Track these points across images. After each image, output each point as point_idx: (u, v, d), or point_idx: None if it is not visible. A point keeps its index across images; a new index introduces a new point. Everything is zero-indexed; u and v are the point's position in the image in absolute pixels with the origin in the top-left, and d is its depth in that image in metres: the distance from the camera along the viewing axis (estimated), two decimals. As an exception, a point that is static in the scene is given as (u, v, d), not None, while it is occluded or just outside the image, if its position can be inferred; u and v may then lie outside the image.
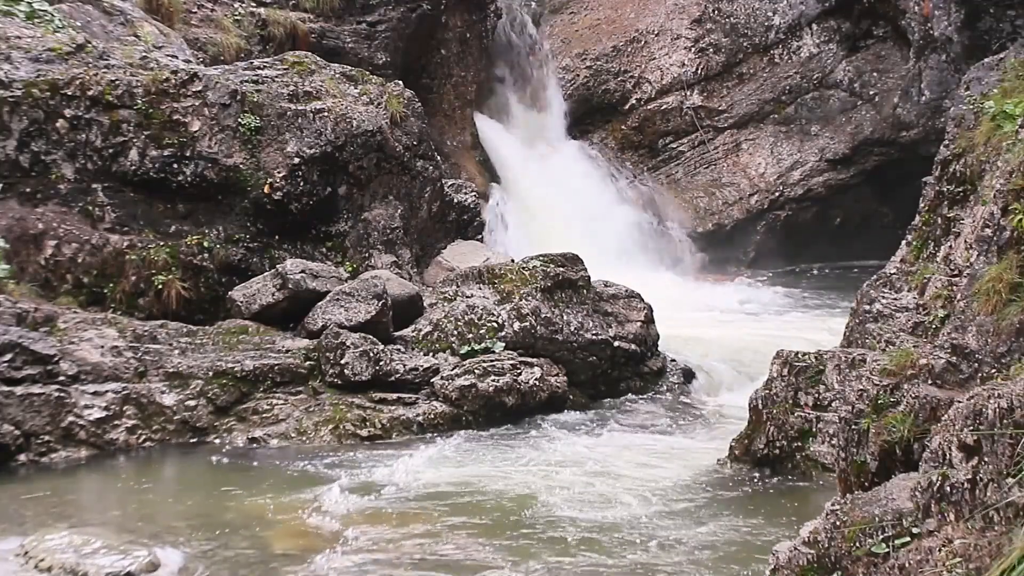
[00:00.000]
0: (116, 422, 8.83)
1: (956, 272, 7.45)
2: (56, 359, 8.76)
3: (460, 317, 10.33)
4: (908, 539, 4.44)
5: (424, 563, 6.54)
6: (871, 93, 18.37)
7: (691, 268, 17.66)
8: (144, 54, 11.30)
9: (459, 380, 9.75)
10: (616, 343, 10.76)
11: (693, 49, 18.56)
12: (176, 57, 11.91)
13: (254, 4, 14.85)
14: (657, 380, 10.96)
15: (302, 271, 10.16)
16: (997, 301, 5.84)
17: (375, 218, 11.39)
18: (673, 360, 11.21)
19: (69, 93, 10.37)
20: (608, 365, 10.73)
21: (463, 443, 9.17)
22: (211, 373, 9.32)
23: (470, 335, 10.20)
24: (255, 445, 9.06)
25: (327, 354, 9.59)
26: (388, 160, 11.54)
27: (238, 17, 14.50)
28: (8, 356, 8.50)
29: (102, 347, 9.16)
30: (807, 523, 5.33)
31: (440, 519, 7.26)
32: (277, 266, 10.34)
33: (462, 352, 10.08)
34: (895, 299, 8.50)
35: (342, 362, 9.53)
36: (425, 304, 10.53)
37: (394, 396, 9.58)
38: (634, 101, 18.55)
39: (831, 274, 17.76)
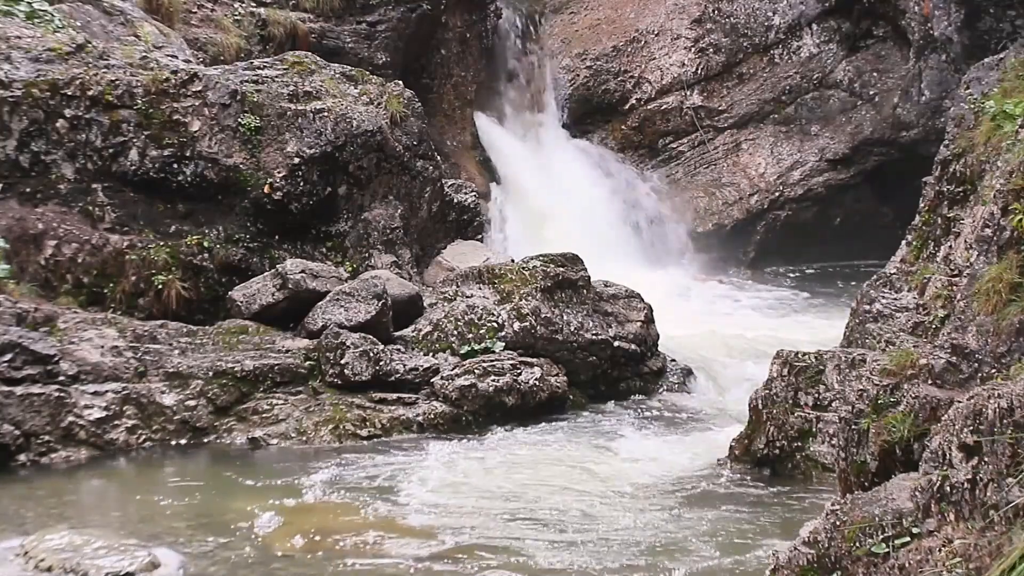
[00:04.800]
0: (116, 422, 8.83)
1: (956, 272, 7.45)
2: (56, 359, 8.76)
3: (460, 317, 10.33)
4: (908, 539, 4.45)
5: (422, 566, 6.54)
6: (871, 93, 18.36)
7: (691, 268, 17.65)
8: (144, 54, 11.29)
9: (459, 380, 9.75)
10: (616, 343, 10.76)
11: (693, 49, 18.54)
12: (176, 57, 11.90)
13: (254, 4, 14.84)
14: (657, 380, 10.95)
15: (302, 271, 10.15)
16: (997, 301, 5.84)
17: (375, 218, 11.39)
18: (673, 360, 11.20)
19: (69, 93, 10.36)
20: (608, 365, 10.73)
21: (468, 443, 9.17)
22: (211, 373, 9.32)
23: (470, 335, 10.20)
24: (255, 445, 9.05)
25: (327, 354, 9.59)
26: (388, 160, 11.53)
27: (238, 17, 14.50)
28: (8, 356, 8.50)
29: (102, 347, 9.16)
30: (807, 523, 5.34)
31: (451, 521, 7.26)
32: (277, 266, 10.33)
33: (462, 352, 10.08)
34: (895, 299, 8.50)
35: (342, 362, 9.53)
36: (425, 304, 10.53)
37: (394, 396, 9.58)
38: (634, 101, 18.53)
39: (831, 274, 17.74)
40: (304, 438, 9.12)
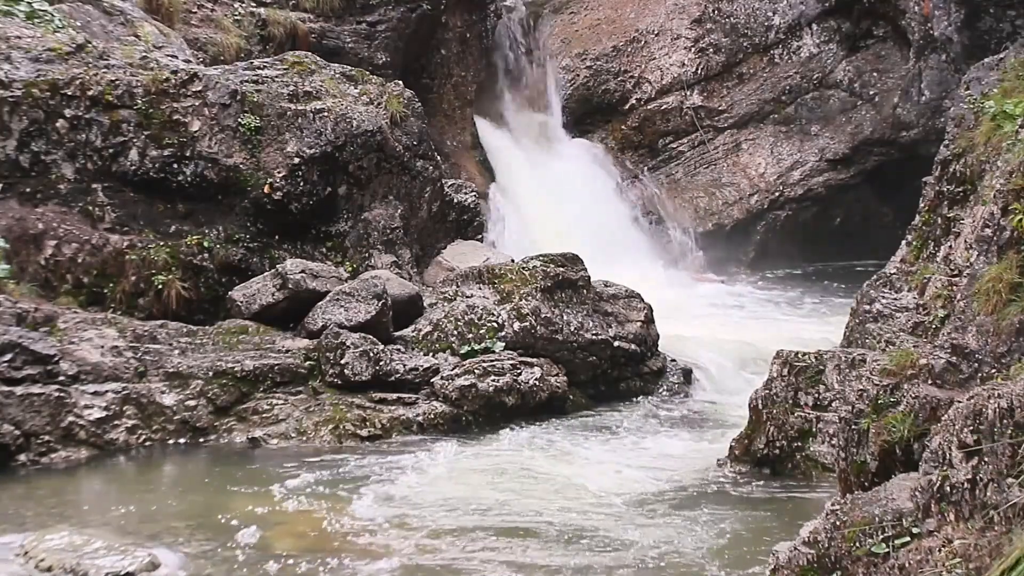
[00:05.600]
0: (116, 422, 8.83)
1: (956, 272, 7.45)
2: (56, 359, 8.76)
3: (460, 317, 10.32)
4: (908, 539, 4.45)
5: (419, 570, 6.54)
6: (871, 93, 18.36)
7: (691, 268, 17.64)
8: (144, 54, 11.29)
9: (459, 380, 9.75)
10: (616, 343, 10.76)
11: (693, 49, 18.55)
12: (176, 57, 11.90)
13: (254, 4, 14.84)
14: (657, 380, 10.95)
15: (302, 271, 10.16)
16: (997, 301, 5.84)
17: (375, 218, 11.39)
18: (673, 360, 11.20)
19: (69, 93, 10.36)
20: (608, 365, 10.73)
21: (467, 444, 9.16)
22: (211, 373, 9.32)
23: (470, 335, 10.20)
24: (255, 445, 9.05)
25: (327, 354, 9.59)
26: (388, 160, 11.53)
27: (238, 17, 14.50)
28: (8, 356, 8.50)
29: (102, 347, 9.16)
30: (807, 523, 5.33)
31: (449, 524, 7.24)
32: (277, 266, 10.33)
33: (462, 352, 10.08)
34: (895, 299, 8.50)
35: (342, 362, 9.53)
36: (425, 304, 10.53)
37: (394, 396, 9.58)
38: (634, 101, 18.53)
39: (831, 274, 17.75)
40: (304, 438, 9.12)
